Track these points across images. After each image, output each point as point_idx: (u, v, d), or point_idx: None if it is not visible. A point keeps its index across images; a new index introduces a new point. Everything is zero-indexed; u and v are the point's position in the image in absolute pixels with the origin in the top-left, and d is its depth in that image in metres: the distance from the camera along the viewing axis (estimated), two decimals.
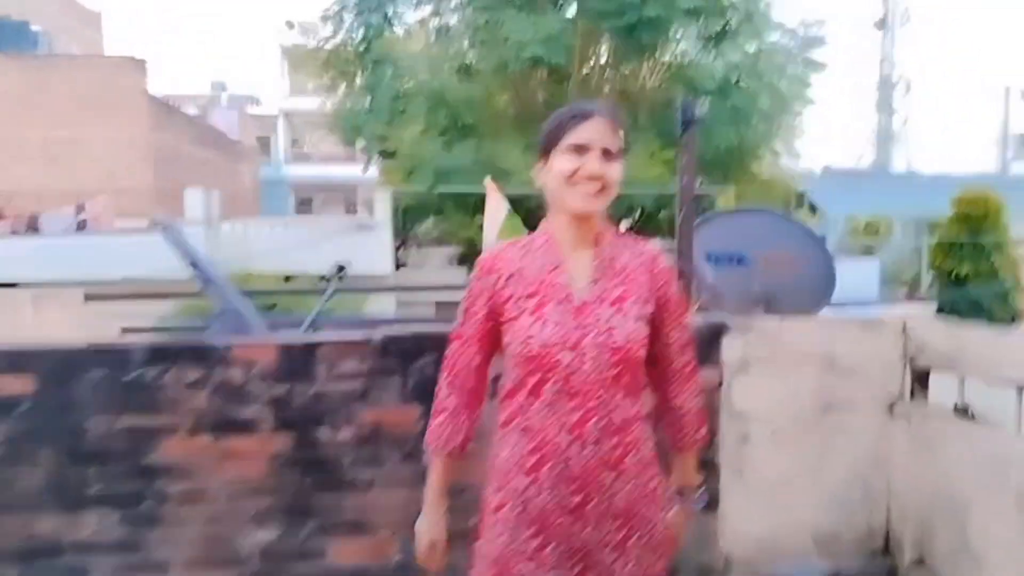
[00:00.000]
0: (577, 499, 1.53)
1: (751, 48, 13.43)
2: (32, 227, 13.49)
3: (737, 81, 12.43)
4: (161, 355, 2.62)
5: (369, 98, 14.52)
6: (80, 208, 13.88)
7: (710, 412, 2.89)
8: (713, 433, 2.94)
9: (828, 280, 3.79)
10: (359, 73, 14.83)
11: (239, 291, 3.30)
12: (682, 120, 3.14)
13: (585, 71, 13.33)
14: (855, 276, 18.26)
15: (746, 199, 15.52)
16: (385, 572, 2.72)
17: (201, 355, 2.64)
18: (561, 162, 1.54)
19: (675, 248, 3.30)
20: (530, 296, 1.56)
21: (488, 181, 4.43)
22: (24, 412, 2.55)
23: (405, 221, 16.10)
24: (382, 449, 2.74)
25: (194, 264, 3.07)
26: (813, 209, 32.48)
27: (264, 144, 35.20)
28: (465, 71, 13.26)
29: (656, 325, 1.62)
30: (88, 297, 5.26)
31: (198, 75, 33.17)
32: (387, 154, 14.33)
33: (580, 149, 1.53)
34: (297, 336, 2.79)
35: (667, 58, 12.54)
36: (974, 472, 2.69)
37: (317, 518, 2.72)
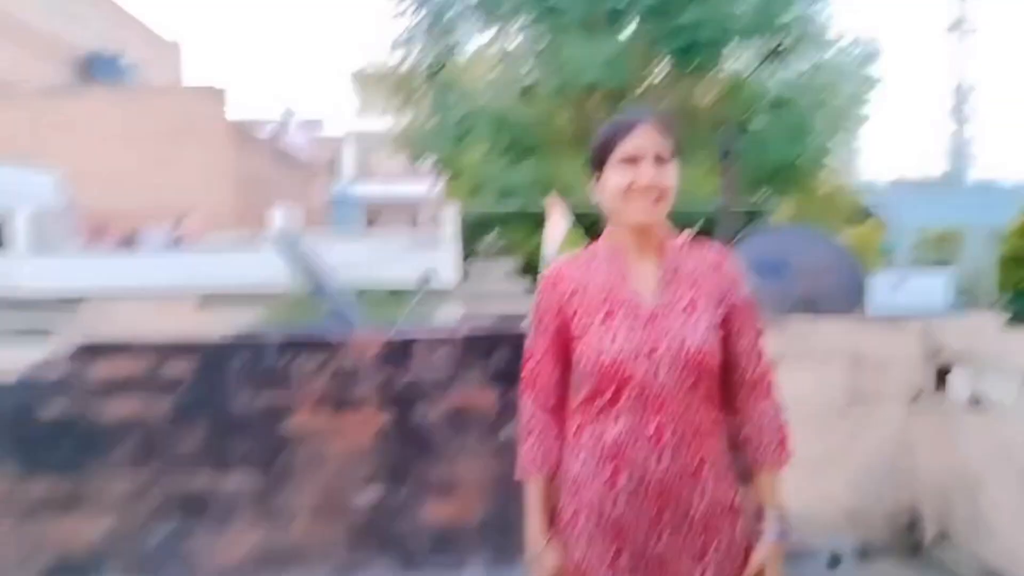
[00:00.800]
0: (654, 509, 1.51)
1: (806, 66, 13.63)
2: (132, 243, 14.74)
3: (790, 99, 12.66)
4: (290, 346, 3.24)
5: (436, 120, 15.28)
6: (176, 225, 15.09)
7: None
8: None
9: (858, 288, 4.17)
10: (426, 96, 15.62)
11: (347, 295, 3.92)
12: (722, 150, 3.59)
13: (641, 90, 13.74)
14: (925, 288, 18.00)
15: (804, 214, 15.65)
16: (469, 529, 3.25)
17: (321, 347, 3.25)
18: (615, 176, 1.54)
19: None
20: (598, 309, 1.55)
21: (553, 195, 4.87)
22: (185, 390, 3.20)
23: (468, 236, 16.83)
24: (465, 426, 3.29)
25: (309, 271, 3.70)
26: (881, 223, 31.76)
27: (333, 164, 36.78)
28: (526, 94, 13.88)
29: (728, 329, 1.57)
30: (203, 303, 6.01)
31: (269, 100, 35.04)
32: (453, 173, 15.06)
33: (632, 160, 1.52)
34: (397, 332, 3.35)
35: (722, 76, 12.83)
36: (985, 454, 3.05)
37: (413, 480, 3.27)
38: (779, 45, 12.96)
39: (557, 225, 5.44)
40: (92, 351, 3.18)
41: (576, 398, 1.58)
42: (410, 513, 3.28)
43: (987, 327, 3.60)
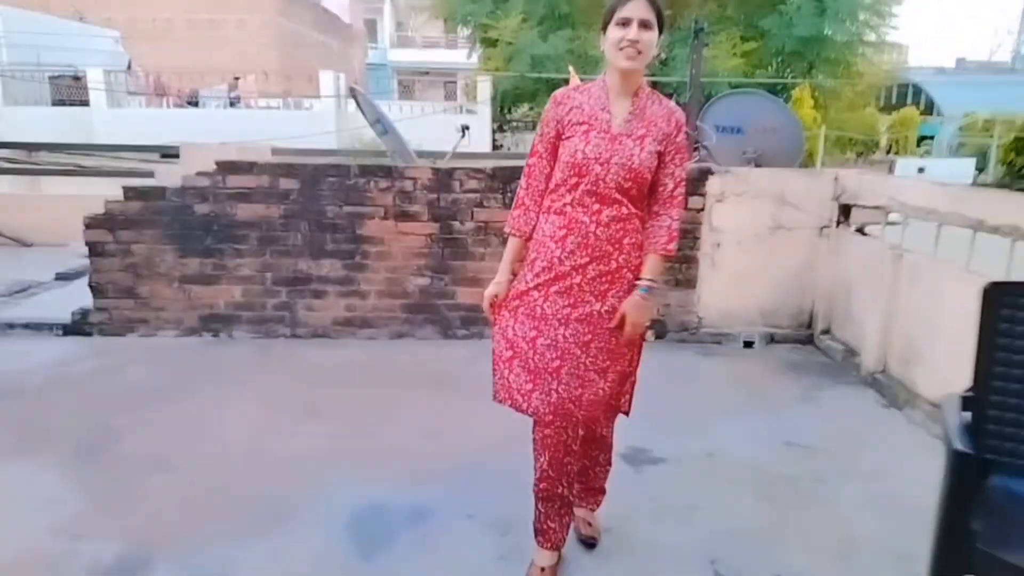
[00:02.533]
0: (587, 259, 2.08)
1: None
2: (192, 102, 15.88)
3: None
4: (367, 171, 4.50)
5: None
6: (232, 86, 16.11)
7: (695, 226, 4.57)
8: (696, 239, 4.61)
9: (799, 145, 5.23)
10: None
11: (404, 137, 5.12)
12: (694, 30, 4.58)
13: None
14: (949, 171, 18.50)
15: (834, 93, 16.00)
16: None
17: (389, 173, 4.51)
18: (612, 32, 2.03)
19: (688, 122, 4.82)
20: (582, 123, 2.08)
21: (571, 67, 5.72)
22: (292, 199, 4.51)
23: (503, 107, 17.55)
24: (489, 236, 4.57)
25: (378, 120, 4.88)
26: (931, 106, 31.12)
27: (370, 27, 36.64)
28: None
29: (662, 159, 2.10)
30: (273, 152, 7.27)
31: None
32: (489, 42, 15.61)
33: (625, 22, 2.00)
34: (442, 164, 4.56)
35: None
36: (856, 268, 4.26)
37: (451, 273, 4.62)
38: None
39: None
40: (228, 167, 4.48)
41: (553, 183, 2.14)
42: (448, 296, 4.65)
43: (881, 179, 4.66)
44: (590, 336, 2.10)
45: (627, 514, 2.61)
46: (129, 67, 17.13)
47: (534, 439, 2.16)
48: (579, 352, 2.09)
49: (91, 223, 4.52)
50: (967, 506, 1.65)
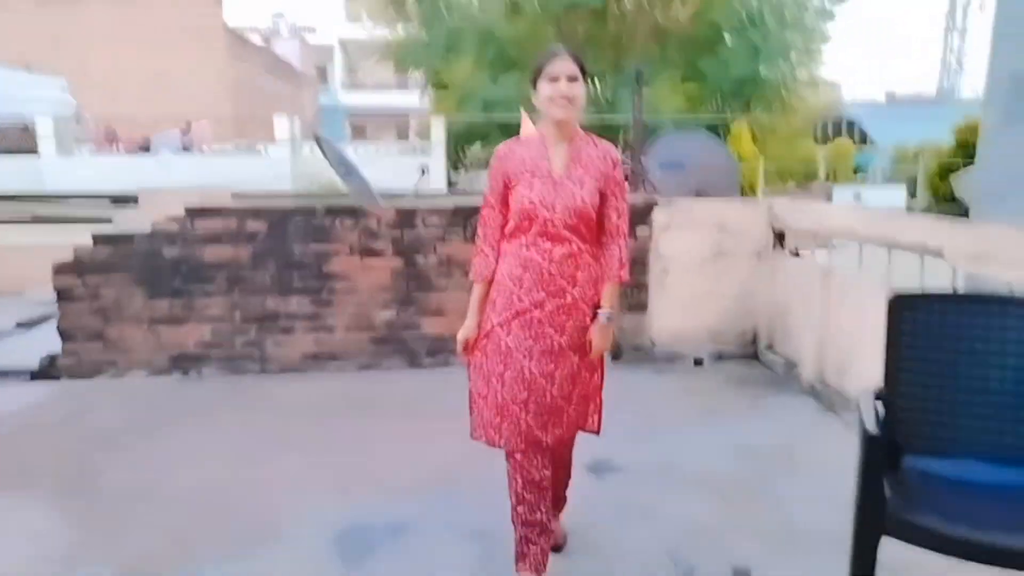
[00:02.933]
0: (541, 296, 2.24)
1: None
2: (144, 147, 15.84)
3: (752, 20, 13.71)
4: (332, 211, 4.71)
5: (426, 32, 16.15)
6: (185, 131, 16.14)
7: (644, 255, 4.89)
8: (645, 266, 4.93)
9: (734, 177, 5.66)
10: (417, 8, 16.40)
11: (367, 180, 5.35)
12: (635, 77, 4.97)
13: (620, 11, 14.65)
14: (882, 199, 19.53)
15: (771, 128, 16.89)
16: (451, 337, 4.81)
17: (354, 212, 4.73)
18: (543, 88, 2.21)
19: (629, 157, 5.20)
20: (525, 172, 2.27)
21: (523, 111, 6.00)
22: (260, 240, 4.69)
23: (455, 146, 17.97)
24: (452, 268, 4.81)
25: (342, 162, 5.11)
26: (864, 137, 32.80)
27: (321, 72, 37.03)
28: (513, 10, 14.78)
29: (603, 195, 2.29)
30: (233, 196, 7.43)
31: (257, 5, 34.64)
32: (440, 85, 16.08)
33: (554, 78, 2.20)
34: (405, 203, 4.80)
35: (693, 0, 13.79)
36: (792, 289, 4.62)
37: (416, 305, 4.83)
38: None
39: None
40: (196, 212, 4.64)
41: (508, 229, 2.32)
42: (413, 327, 4.85)
43: (809, 206, 5.07)
44: (553, 366, 2.25)
45: (591, 520, 2.82)
46: (77, 115, 17.01)
47: (507, 469, 2.31)
48: (544, 382, 2.24)
49: (60, 269, 4.61)
50: (879, 480, 1.92)
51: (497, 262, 2.34)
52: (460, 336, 2.38)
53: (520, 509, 2.31)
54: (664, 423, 3.91)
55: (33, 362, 4.74)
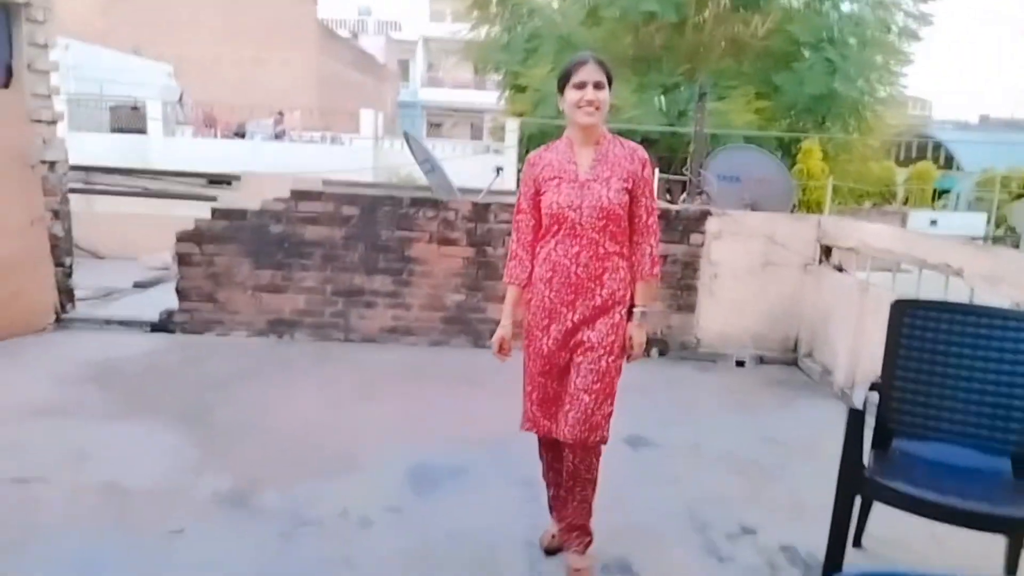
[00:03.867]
0: (571, 297, 2.34)
1: (855, 5, 14.57)
2: (239, 133, 17.00)
3: (831, 38, 13.74)
4: (416, 202, 5.30)
5: (507, 35, 16.71)
6: (278, 120, 17.24)
7: (695, 259, 5.28)
8: (696, 270, 5.33)
9: (788, 193, 5.97)
10: (500, 10, 16.96)
11: (448, 176, 5.92)
12: (698, 93, 5.35)
13: (699, 21, 14.86)
14: (963, 225, 19.10)
15: (845, 146, 16.77)
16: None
17: (435, 204, 5.30)
18: (570, 94, 2.29)
19: (695, 173, 5.59)
20: (554, 178, 2.35)
21: None
22: (352, 224, 5.31)
23: (528, 147, 18.50)
24: None
25: (427, 159, 5.70)
26: (949, 161, 31.86)
27: (403, 67, 38.23)
28: (591, 18, 15.18)
29: (633, 195, 2.35)
30: (323, 183, 8.15)
31: (347, 0, 35.96)
32: (518, 87, 16.61)
33: (580, 85, 2.26)
34: (479, 199, 5.32)
35: (774, 14, 13.86)
36: (834, 300, 4.94)
37: (483, 291, 5.36)
38: None
39: None
40: (300, 195, 5.30)
41: (541, 233, 2.42)
42: (480, 311, 5.39)
43: (853, 224, 5.36)
44: (581, 358, 2.36)
45: (621, 481, 3.27)
46: (180, 99, 18.33)
47: (539, 451, 2.66)
48: (573, 374, 2.38)
49: (182, 236, 5.34)
50: (859, 447, 2.33)
51: (532, 265, 2.43)
52: (496, 337, 2.52)
53: (550, 474, 2.65)
54: (699, 412, 4.33)
55: (152, 316, 5.49)
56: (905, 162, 28.63)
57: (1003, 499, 2.23)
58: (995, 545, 2.42)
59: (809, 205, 13.53)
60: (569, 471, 2.45)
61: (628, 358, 2.44)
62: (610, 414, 2.40)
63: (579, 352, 2.37)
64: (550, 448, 2.61)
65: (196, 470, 3.23)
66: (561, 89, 2.34)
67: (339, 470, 3.28)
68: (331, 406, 4.11)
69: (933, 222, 21.02)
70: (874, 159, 22.19)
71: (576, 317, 2.35)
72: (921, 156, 30.50)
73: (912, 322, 2.62)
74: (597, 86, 2.28)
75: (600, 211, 2.29)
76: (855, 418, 2.33)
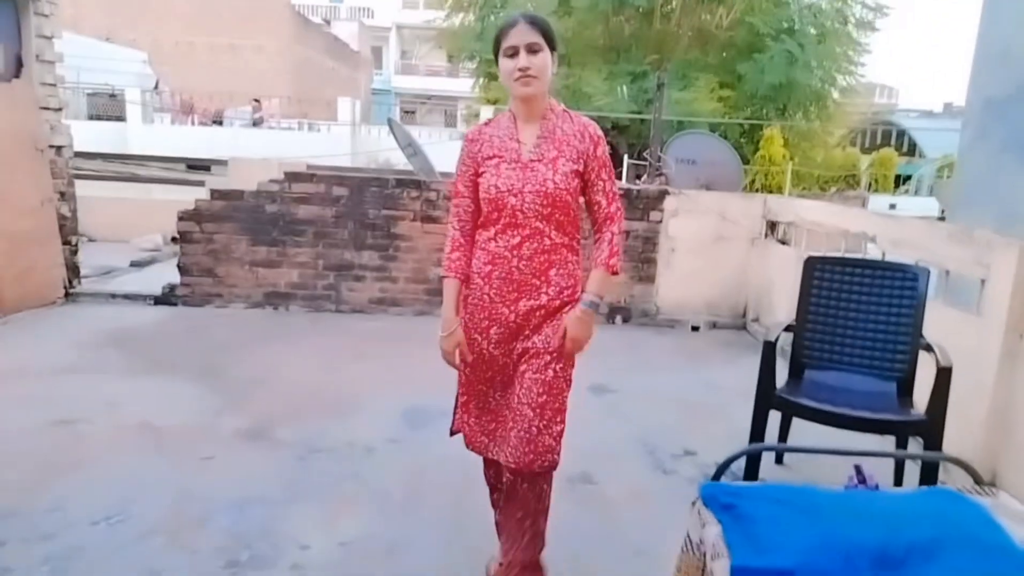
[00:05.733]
0: (513, 295, 2.04)
1: None
2: (217, 120, 17.22)
3: (791, 28, 14.40)
4: (401, 183, 5.78)
5: (480, 26, 17.11)
6: (256, 108, 17.48)
7: (655, 235, 5.85)
8: (655, 244, 5.89)
9: (739, 175, 6.57)
10: (474, 3, 17.34)
11: (429, 159, 6.40)
12: (657, 83, 5.90)
13: (667, 10, 15.39)
14: (918, 209, 20.02)
15: (806, 134, 17.51)
16: None
17: (418, 184, 5.79)
18: (503, 63, 1.99)
19: (654, 157, 6.15)
20: (493, 157, 2.04)
21: (561, 104, 6.98)
22: (342, 203, 5.77)
23: None
24: None
25: (410, 143, 6.18)
26: (913, 148, 32.88)
27: (376, 54, 38.33)
28: (564, 6, 15.63)
29: (586, 178, 2.05)
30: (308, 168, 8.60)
31: None
32: (492, 75, 17.03)
33: (512, 51, 1.96)
34: None
35: (736, 4, 14.44)
36: (776, 270, 5.54)
37: None
38: None
39: None
40: (293, 176, 5.75)
41: (480, 220, 2.10)
42: None
43: (792, 201, 5.96)
44: (525, 367, 2.07)
45: (583, 421, 3.82)
46: (156, 86, 18.45)
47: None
48: (516, 386, 2.09)
49: (183, 216, 5.76)
50: (772, 371, 2.90)
51: (471, 254, 2.13)
52: (446, 344, 2.15)
53: (494, 498, 2.41)
54: (655, 366, 4.91)
55: (153, 291, 5.91)
56: (869, 149, 29.66)
57: (884, 408, 2.82)
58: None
59: (771, 189, 14.21)
60: (516, 500, 2.13)
61: (561, 353, 2.06)
62: (561, 433, 2.08)
63: (523, 360, 2.08)
64: (492, 465, 2.32)
65: (217, 413, 3.71)
66: (496, 57, 2.05)
67: (343, 412, 3.79)
68: (328, 365, 4.60)
69: (892, 206, 21.96)
70: (838, 146, 23.03)
71: (518, 318, 2.06)
72: (885, 143, 31.58)
73: (820, 275, 3.19)
74: (531, 49, 1.96)
75: (544, 196, 2.00)
76: (768, 348, 2.91)
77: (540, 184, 2.00)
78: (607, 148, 2.14)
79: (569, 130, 2.06)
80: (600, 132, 2.12)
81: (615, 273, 2.08)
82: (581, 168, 2.05)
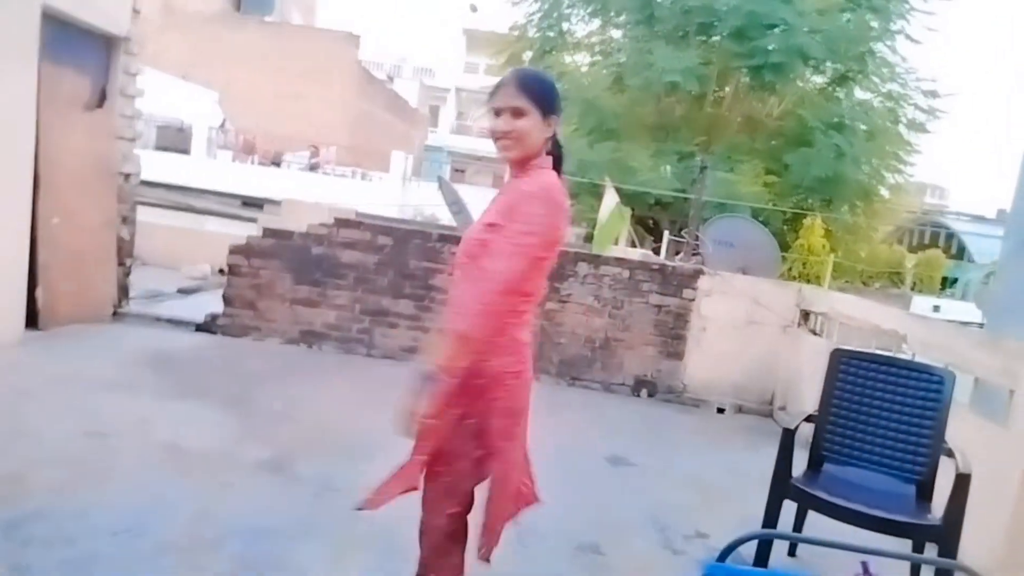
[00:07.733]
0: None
1: (867, 95, 15.49)
2: (276, 162, 17.95)
3: (840, 124, 14.57)
4: (443, 237, 5.97)
5: None
6: (314, 153, 18.20)
7: (687, 312, 5.90)
8: (687, 322, 5.93)
9: (775, 259, 6.61)
10: None
11: (473, 218, 6.60)
12: (700, 167, 6.04)
13: (718, 96, 15.77)
14: (962, 313, 19.67)
15: (850, 227, 17.50)
16: None
17: (459, 241, 5.95)
18: (489, 121, 1.93)
19: (692, 236, 6.24)
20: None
21: (607, 178, 7.20)
22: (385, 252, 5.97)
23: None
24: None
25: (455, 200, 6.41)
26: (962, 251, 32.47)
27: (433, 113, 39.71)
28: (617, 84, 16.13)
29: (498, 231, 1.82)
30: (357, 216, 8.92)
31: (386, 44, 37.67)
32: None
33: (497, 111, 1.90)
34: None
35: (790, 96, 14.74)
36: (807, 359, 5.53)
37: None
38: (847, 72, 14.89)
39: (607, 202, 7.98)
40: (342, 222, 5.98)
41: None
42: None
43: (826, 294, 5.97)
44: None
45: (598, 490, 3.85)
46: (223, 124, 19.37)
47: None
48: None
49: (234, 249, 6.02)
50: (789, 461, 2.90)
51: None
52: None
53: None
54: (677, 443, 4.89)
55: (196, 318, 6.13)
56: (916, 248, 29.37)
57: (900, 510, 2.79)
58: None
59: (808, 279, 14.15)
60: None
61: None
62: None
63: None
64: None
65: (241, 441, 3.82)
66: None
67: (361, 455, 3.84)
68: (353, 407, 4.69)
69: (936, 308, 21.59)
70: (884, 242, 22.88)
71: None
72: (934, 244, 31.27)
73: (846, 368, 3.21)
74: (515, 113, 1.86)
75: (465, 250, 1.94)
76: (787, 435, 2.92)
77: (463, 243, 1.98)
78: (539, 206, 1.82)
79: (511, 192, 1.90)
80: (533, 190, 1.85)
81: (458, 336, 1.77)
82: (501, 221, 1.84)
